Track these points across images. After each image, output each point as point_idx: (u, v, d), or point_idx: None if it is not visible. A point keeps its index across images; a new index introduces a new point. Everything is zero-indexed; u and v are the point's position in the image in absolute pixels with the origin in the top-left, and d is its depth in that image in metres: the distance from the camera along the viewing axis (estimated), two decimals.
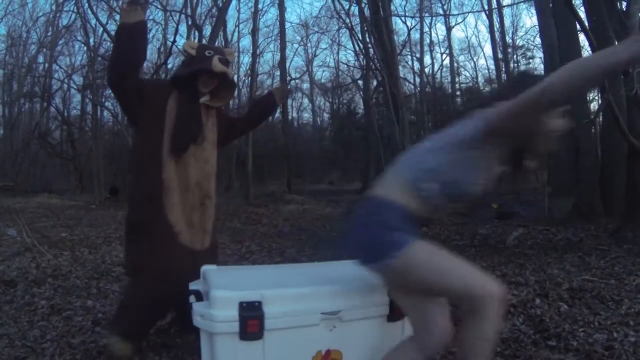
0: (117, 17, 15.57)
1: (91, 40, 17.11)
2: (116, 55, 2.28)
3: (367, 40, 11.00)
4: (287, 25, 24.77)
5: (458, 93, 30.01)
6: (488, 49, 42.50)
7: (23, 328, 2.77)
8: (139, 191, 2.34)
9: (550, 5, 8.97)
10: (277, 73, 23.63)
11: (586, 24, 5.49)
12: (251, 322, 1.47)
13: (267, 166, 23.86)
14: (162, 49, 19.04)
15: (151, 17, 17.45)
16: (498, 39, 23.85)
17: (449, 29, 27.73)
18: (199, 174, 2.36)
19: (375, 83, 19.38)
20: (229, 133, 2.71)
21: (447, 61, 29.09)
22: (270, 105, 2.92)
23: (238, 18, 26.04)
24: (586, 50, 10.75)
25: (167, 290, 2.15)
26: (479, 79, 30.09)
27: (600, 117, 7.98)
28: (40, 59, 20.41)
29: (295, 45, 27.36)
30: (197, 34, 18.78)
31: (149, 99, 2.28)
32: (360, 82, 22.93)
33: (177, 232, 2.23)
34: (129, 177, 2.54)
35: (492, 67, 26.30)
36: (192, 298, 1.63)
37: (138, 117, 2.33)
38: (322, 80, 31.74)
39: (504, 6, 22.52)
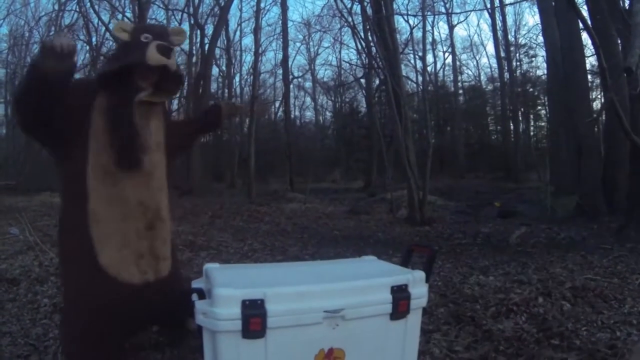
0: (119, 16, 15.64)
1: (93, 39, 17.21)
2: (27, 101, 1.77)
3: (370, 38, 10.99)
4: (290, 24, 24.90)
5: (460, 92, 30.05)
6: (490, 47, 42.48)
7: (26, 326, 2.78)
8: (64, 223, 1.97)
9: (553, 3, 8.94)
10: (280, 71, 23.68)
11: (589, 22, 5.47)
12: (253, 320, 1.46)
13: (269, 164, 23.86)
14: None
15: (153, 17, 17.52)
16: (500, 38, 23.87)
17: (451, 27, 27.77)
18: (141, 192, 1.94)
19: (377, 81, 19.36)
20: (182, 139, 2.33)
21: (449, 60, 29.19)
22: (216, 119, 2.55)
23: (240, 17, 26.13)
24: (589, 49, 10.76)
25: (108, 335, 1.88)
26: (482, 77, 30.15)
27: (603, 116, 7.96)
28: None
29: (298, 44, 27.48)
30: (199, 32, 18.83)
31: (67, 112, 1.83)
32: (362, 80, 22.95)
33: (113, 273, 1.86)
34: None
35: (495, 65, 26.39)
36: (194, 296, 1.63)
37: (60, 141, 1.89)
38: (325, 79, 31.78)
39: (507, 5, 22.49)
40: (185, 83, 20.99)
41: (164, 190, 2.04)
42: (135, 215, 1.92)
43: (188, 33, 19.11)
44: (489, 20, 25.05)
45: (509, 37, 24.62)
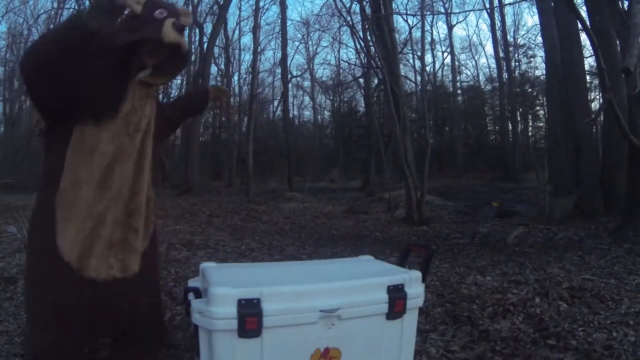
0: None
1: None
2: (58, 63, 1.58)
3: (368, 38, 10.97)
4: (289, 23, 24.92)
5: (459, 92, 30.09)
6: (489, 47, 42.55)
7: (23, 325, 2.77)
8: (36, 201, 1.81)
9: (552, 4, 8.96)
10: (278, 70, 23.71)
11: (588, 23, 5.47)
12: (249, 319, 1.46)
13: (267, 163, 23.88)
14: None
15: None
16: (499, 38, 23.91)
17: (450, 27, 27.84)
18: (126, 178, 1.80)
19: (376, 81, 19.40)
20: (169, 123, 2.25)
21: (448, 60, 29.26)
22: (202, 102, 2.49)
23: (239, 16, 26.24)
24: (587, 50, 10.77)
25: (65, 337, 1.70)
26: (480, 77, 30.21)
27: (602, 117, 7.97)
28: None
29: (297, 43, 27.57)
30: (198, 31, 18.82)
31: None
32: (361, 80, 22.96)
33: (69, 259, 1.67)
34: None
35: (494, 65, 26.44)
36: (190, 295, 1.63)
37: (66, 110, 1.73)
38: (323, 78, 31.85)
39: (506, 5, 22.54)
40: (185, 82, 21.00)
41: (148, 178, 1.90)
42: (116, 201, 1.77)
43: (187, 31, 19.11)
44: (488, 21, 25.13)
45: (508, 37, 24.70)
